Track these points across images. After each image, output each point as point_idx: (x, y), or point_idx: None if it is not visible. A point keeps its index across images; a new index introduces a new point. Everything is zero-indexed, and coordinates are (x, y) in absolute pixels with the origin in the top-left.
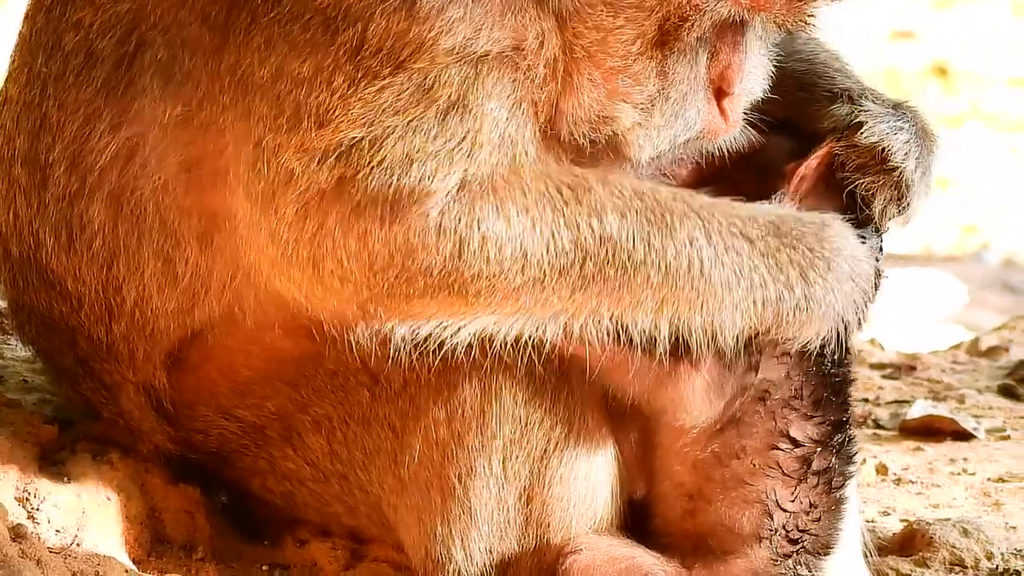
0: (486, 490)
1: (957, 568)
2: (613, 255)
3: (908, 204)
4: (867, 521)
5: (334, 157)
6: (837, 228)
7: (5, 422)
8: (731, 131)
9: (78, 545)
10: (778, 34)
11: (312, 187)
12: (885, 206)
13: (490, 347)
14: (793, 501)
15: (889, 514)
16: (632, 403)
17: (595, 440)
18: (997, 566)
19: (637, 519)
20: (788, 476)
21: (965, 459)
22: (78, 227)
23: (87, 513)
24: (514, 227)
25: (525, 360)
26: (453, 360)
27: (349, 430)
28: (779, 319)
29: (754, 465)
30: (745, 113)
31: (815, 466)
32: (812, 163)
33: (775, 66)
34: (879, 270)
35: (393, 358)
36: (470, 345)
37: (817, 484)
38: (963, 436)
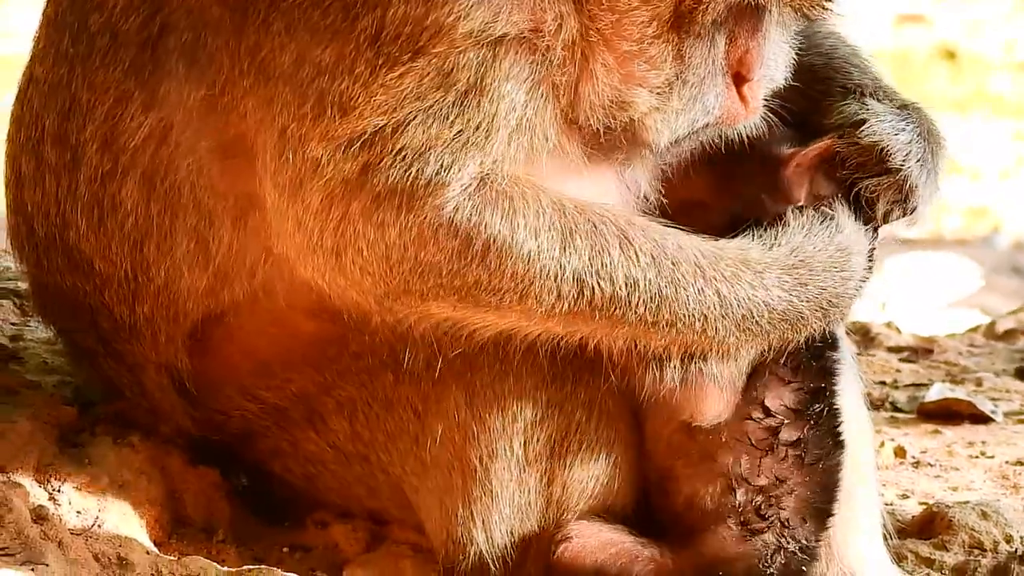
0: (507, 472)
1: (976, 551)
2: (626, 305)
3: (913, 207)
4: (886, 504)
5: (358, 145)
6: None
7: (25, 404)
8: (751, 117)
9: (99, 527)
10: (798, 22)
11: (337, 176)
12: (889, 208)
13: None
14: (759, 475)
15: (908, 497)
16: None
17: (615, 423)
18: (1016, 548)
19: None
20: (754, 447)
21: (983, 442)
22: (110, 207)
23: (108, 495)
24: (519, 247)
25: (546, 345)
26: (475, 344)
27: (372, 412)
28: (783, 339)
29: (722, 438)
30: (765, 101)
31: (783, 437)
32: (811, 153)
33: (794, 58)
34: (871, 267)
35: (416, 342)
36: None
37: (787, 456)
38: (981, 419)
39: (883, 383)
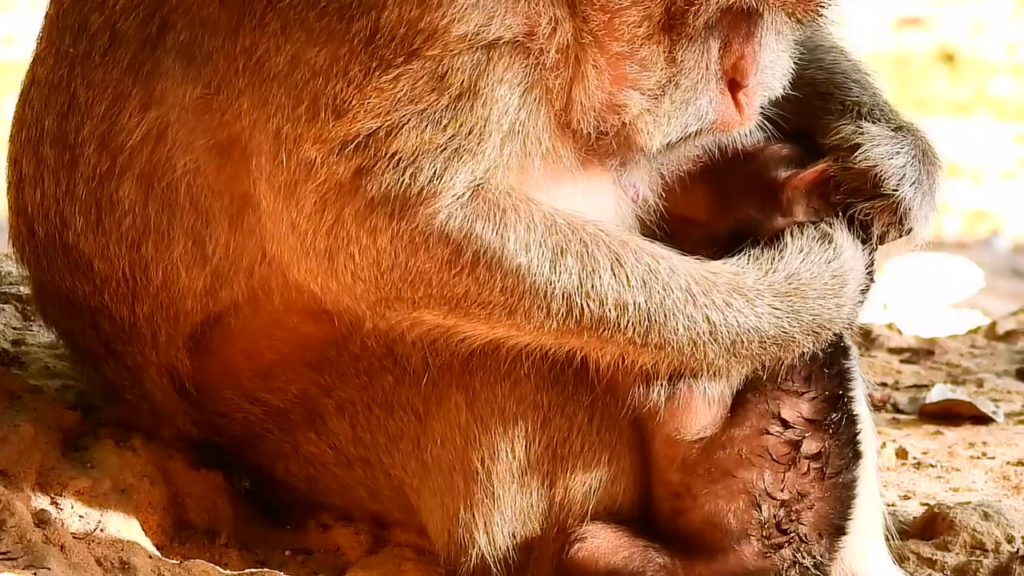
0: (509, 474)
1: (978, 551)
2: (615, 327)
3: (909, 228)
4: (888, 505)
5: (352, 147)
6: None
7: (28, 408)
8: (746, 124)
9: (101, 531)
10: (794, 30)
11: (331, 178)
12: (884, 230)
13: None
14: (783, 490)
15: (910, 498)
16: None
17: (618, 426)
18: (1018, 549)
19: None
20: (776, 463)
21: (984, 443)
22: (108, 206)
23: (110, 499)
24: (509, 260)
25: (541, 353)
26: (473, 349)
27: (372, 414)
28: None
29: (741, 454)
30: (762, 110)
31: (805, 450)
32: (807, 177)
33: (794, 71)
34: (870, 283)
35: (416, 344)
36: None
37: (808, 471)
38: (982, 420)
39: (884, 384)
